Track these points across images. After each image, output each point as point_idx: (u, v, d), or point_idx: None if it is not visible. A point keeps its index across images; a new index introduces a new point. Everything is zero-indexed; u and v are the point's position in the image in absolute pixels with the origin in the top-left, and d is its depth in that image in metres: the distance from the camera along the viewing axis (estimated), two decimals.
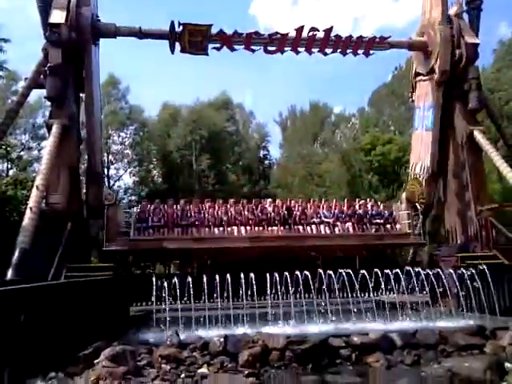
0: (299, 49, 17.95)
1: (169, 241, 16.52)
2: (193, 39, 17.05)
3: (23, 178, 22.66)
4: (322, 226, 17.78)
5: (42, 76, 15.94)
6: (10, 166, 29.55)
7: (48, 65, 15.43)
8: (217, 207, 17.69)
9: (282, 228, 17.40)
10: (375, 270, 13.17)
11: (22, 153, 31.27)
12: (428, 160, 18.18)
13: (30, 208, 12.72)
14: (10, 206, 19.16)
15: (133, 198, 34.81)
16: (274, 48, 17.88)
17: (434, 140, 18.13)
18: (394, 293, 13.13)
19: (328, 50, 18.11)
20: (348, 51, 18.10)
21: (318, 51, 18.07)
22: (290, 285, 12.27)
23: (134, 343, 9.62)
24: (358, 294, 13.16)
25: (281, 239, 17.13)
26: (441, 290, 13.41)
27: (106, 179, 32.58)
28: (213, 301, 12.12)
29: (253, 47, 17.71)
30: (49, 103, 16.88)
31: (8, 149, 26.51)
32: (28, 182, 20.92)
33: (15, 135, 31.27)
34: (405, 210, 18.52)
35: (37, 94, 22.02)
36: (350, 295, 12.64)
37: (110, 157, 32.61)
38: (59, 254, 13.27)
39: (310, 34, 17.56)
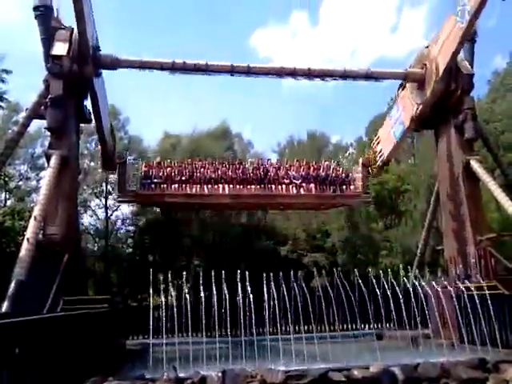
0: (298, 77, 18.69)
1: (167, 196, 19.53)
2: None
3: (21, 208, 22.63)
4: (290, 186, 20.50)
5: (42, 107, 16.10)
6: (8, 196, 29.53)
7: (49, 96, 15.61)
8: (207, 166, 20.49)
9: (258, 187, 20.17)
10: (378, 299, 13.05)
11: (20, 183, 31.30)
12: (386, 153, 21.01)
13: (27, 239, 12.65)
14: (7, 238, 19.08)
15: (130, 228, 34.63)
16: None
17: (395, 149, 21.03)
18: (394, 325, 12.97)
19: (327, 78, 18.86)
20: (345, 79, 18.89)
21: (318, 76, 18.79)
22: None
23: (130, 378, 9.40)
24: (359, 326, 13.01)
25: (256, 197, 20.28)
26: (441, 321, 13.26)
27: (103, 209, 32.54)
28: (210, 334, 11.95)
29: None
30: (49, 134, 17.00)
31: (6, 179, 26.54)
32: (26, 212, 20.88)
33: (14, 165, 31.32)
34: (360, 173, 21.19)
35: (36, 124, 22.23)
36: (350, 326, 12.48)
37: (109, 187, 32.55)
38: (56, 285, 13.11)
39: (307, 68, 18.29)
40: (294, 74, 18.58)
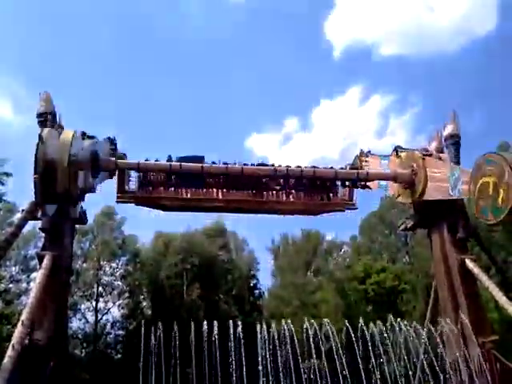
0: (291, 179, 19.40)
1: (164, 199, 19.74)
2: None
3: (9, 311, 21.93)
4: (280, 193, 20.86)
5: (38, 208, 16.19)
6: None
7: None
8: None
9: (249, 192, 20.47)
10: None
11: (10, 285, 30.64)
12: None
13: (13, 345, 12.09)
14: None
15: (120, 332, 33.39)
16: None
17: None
18: None
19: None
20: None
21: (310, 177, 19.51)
22: None
23: None
24: None
25: (248, 202, 20.53)
26: None
27: (94, 312, 31.62)
28: None
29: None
30: (43, 234, 16.96)
31: None
32: (14, 315, 20.20)
33: (4, 267, 30.89)
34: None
35: (31, 225, 22.22)
36: None
37: (100, 288, 31.91)
38: None
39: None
40: (287, 176, 19.19)
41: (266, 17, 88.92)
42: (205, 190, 20.58)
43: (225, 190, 20.75)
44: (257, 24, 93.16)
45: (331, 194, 21.54)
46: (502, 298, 16.08)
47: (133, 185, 19.82)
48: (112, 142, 18.70)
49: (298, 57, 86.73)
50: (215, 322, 16.73)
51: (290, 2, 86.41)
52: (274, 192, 21.16)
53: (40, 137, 15.17)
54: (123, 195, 19.77)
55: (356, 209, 22.08)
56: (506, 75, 73.19)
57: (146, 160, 18.97)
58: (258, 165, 19.94)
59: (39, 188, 15.23)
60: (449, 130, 19.49)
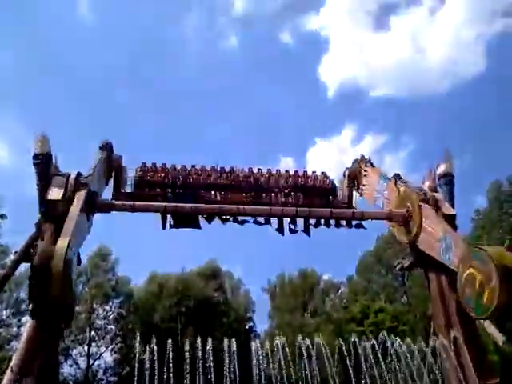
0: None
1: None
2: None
3: (0, 356, 21.31)
4: (279, 195, 20.89)
5: (32, 250, 15.99)
6: None
7: (40, 240, 15.59)
8: (200, 173, 20.98)
9: (248, 194, 20.50)
10: None
11: (0, 329, 29.91)
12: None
13: None
14: None
15: (112, 378, 32.44)
16: (262, 220, 18.84)
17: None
18: None
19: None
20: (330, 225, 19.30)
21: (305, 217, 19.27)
22: None
23: None
24: None
25: (246, 204, 19.54)
26: None
27: (85, 357, 30.81)
28: None
29: (242, 219, 18.69)
30: None
31: None
32: (4, 360, 19.61)
33: None
34: (345, 186, 21.37)
35: (24, 267, 21.88)
36: None
37: (93, 332, 31.20)
38: None
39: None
40: (282, 215, 19.13)
41: (261, 61, 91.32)
42: (202, 191, 20.67)
43: (223, 193, 20.78)
44: (252, 68, 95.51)
45: (330, 197, 21.69)
46: (501, 340, 15.82)
47: (129, 188, 19.94)
48: (106, 147, 18.99)
49: (294, 98, 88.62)
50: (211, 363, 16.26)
51: (283, 46, 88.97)
52: (273, 194, 21.05)
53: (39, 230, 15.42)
54: (119, 195, 19.71)
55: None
56: (493, 115, 75.01)
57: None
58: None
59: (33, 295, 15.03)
60: (442, 168, 19.63)
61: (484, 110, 76.52)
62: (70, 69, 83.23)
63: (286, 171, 22.46)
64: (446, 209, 19.03)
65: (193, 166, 21.73)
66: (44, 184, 16.72)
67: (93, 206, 17.50)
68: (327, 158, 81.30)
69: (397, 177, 20.66)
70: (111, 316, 34.32)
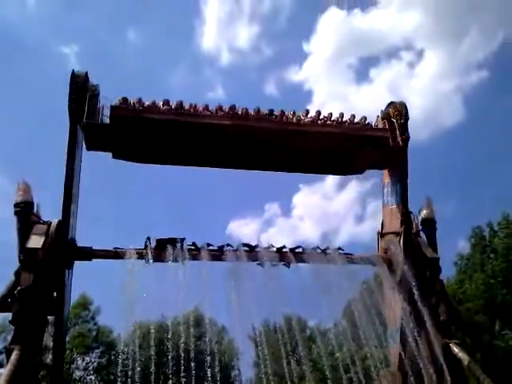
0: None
1: (150, 112, 16.90)
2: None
3: None
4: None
5: (9, 299, 15.63)
6: None
7: (18, 288, 15.28)
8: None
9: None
10: None
11: None
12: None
13: None
14: None
15: None
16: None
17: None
18: None
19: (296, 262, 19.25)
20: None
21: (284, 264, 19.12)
22: None
23: None
24: None
25: (267, 121, 17.73)
26: None
27: None
28: None
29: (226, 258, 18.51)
30: (12, 327, 16.18)
31: None
32: None
33: None
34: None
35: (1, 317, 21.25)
36: None
37: None
38: None
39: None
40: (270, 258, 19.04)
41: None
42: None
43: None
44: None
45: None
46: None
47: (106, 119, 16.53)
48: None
49: None
50: None
51: (268, 97, 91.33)
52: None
53: None
54: (94, 116, 16.18)
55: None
56: (474, 162, 77.02)
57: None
58: (244, 245, 19.30)
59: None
60: (424, 214, 20.01)
61: (464, 157, 78.88)
62: None
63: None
64: (429, 253, 19.24)
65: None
66: (24, 232, 16.55)
67: (73, 254, 17.28)
68: (312, 205, 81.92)
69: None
70: (91, 366, 33.24)
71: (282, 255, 19.07)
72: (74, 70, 16.32)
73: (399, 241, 19.30)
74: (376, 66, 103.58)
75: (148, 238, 17.88)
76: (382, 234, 20.41)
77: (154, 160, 19.36)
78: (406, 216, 18.86)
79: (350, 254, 19.48)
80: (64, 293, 16.67)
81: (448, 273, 37.95)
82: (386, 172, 19.81)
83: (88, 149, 17.70)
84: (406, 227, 18.88)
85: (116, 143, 17.77)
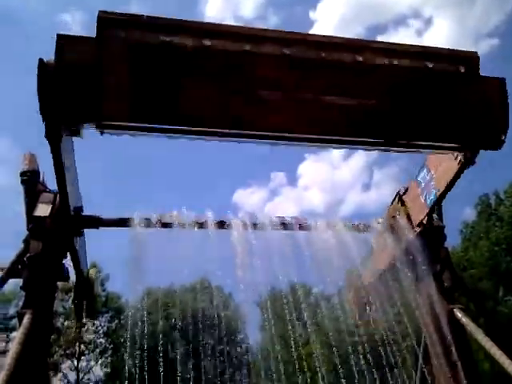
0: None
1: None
2: None
3: None
4: None
5: (19, 266, 15.94)
6: None
7: (27, 255, 15.56)
8: None
9: None
10: None
11: None
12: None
13: None
14: None
15: None
16: None
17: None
18: None
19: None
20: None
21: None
22: None
23: None
24: None
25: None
26: None
27: (75, 372, 30.55)
28: None
29: None
30: (23, 293, 16.58)
31: None
32: None
33: None
34: None
35: (12, 284, 21.69)
36: None
37: (82, 346, 30.96)
38: None
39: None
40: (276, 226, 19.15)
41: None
42: None
43: None
44: None
45: None
46: (492, 348, 15.93)
47: None
48: None
49: None
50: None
51: None
52: None
53: None
54: None
55: None
56: None
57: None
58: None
59: None
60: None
61: None
62: None
63: None
64: (435, 221, 19.31)
65: None
66: (31, 201, 16.73)
67: (80, 222, 17.47)
68: (318, 174, 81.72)
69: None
70: (101, 330, 34.17)
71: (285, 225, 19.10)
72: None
73: (405, 209, 19.39)
74: (383, 34, 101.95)
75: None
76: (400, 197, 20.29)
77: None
78: None
79: (358, 224, 19.55)
80: (78, 259, 17.02)
81: (453, 240, 38.30)
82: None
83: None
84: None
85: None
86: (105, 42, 9.41)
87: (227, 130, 10.90)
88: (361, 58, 9.29)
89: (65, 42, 9.64)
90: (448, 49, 11.95)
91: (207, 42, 9.96)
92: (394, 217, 19.99)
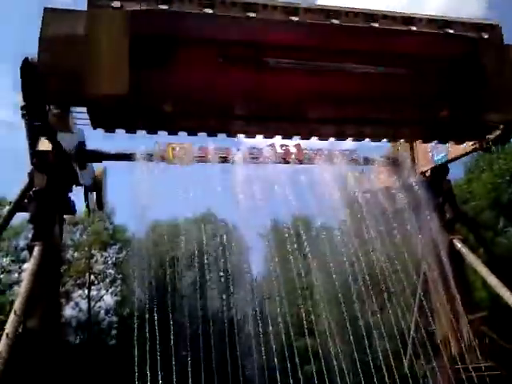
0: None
1: None
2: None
3: (1, 301, 21.90)
4: None
5: (26, 200, 16.13)
6: None
7: (33, 189, 15.70)
8: None
9: None
10: None
11: (1, 275, 30.55)
12: None
13: (7, 334, 12.17)
14: None
15: (114, 319, 33.52)
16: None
17: None
18: None
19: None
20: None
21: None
22: None
23: None
24: None
25: None
26: None
27: (86, 300, 31.71)
28: None
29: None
30: (32, 226, 16.88)
31: None
32: (6, 305, 20.19)
33: None
34: None
35: (21, 217, 22.10)
36: None
37: (92, 277, 31.97)
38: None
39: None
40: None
41: None
42: None
43: None
44: None
45: None
46: (489, 277, 16.41)
47: None
48: None
49: None
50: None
51: None
52: None
53: None
54: None
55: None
56: None
57: None
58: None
59: None
60: None
61: None
62: None
63: None
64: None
65: None
66: (33, 135, 16.63)
67: (82, 156, 17.47)
68: None
69: None
70: (110, 261, 35.09)
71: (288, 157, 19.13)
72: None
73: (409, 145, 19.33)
74: None
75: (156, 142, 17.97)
76: None
77: None
78: None
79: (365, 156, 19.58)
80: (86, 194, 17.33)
81: (457, 173, 38.16)
82: None
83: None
84: None
85: None
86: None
87: None
88: None
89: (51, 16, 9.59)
90: (471, 18, 12.90)
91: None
92: (398, 150, 19.94)
